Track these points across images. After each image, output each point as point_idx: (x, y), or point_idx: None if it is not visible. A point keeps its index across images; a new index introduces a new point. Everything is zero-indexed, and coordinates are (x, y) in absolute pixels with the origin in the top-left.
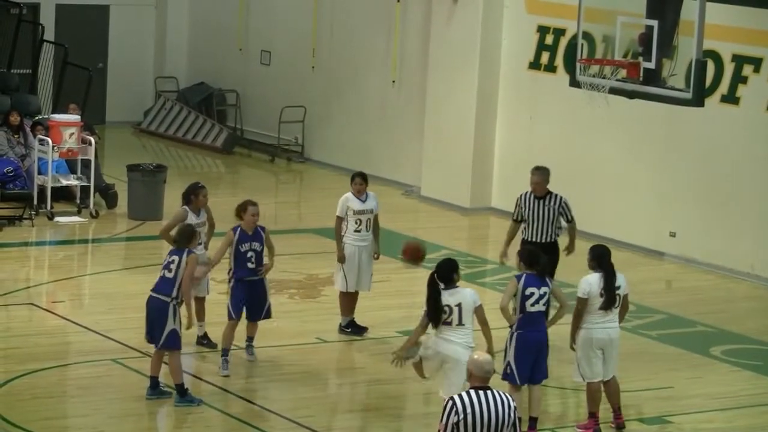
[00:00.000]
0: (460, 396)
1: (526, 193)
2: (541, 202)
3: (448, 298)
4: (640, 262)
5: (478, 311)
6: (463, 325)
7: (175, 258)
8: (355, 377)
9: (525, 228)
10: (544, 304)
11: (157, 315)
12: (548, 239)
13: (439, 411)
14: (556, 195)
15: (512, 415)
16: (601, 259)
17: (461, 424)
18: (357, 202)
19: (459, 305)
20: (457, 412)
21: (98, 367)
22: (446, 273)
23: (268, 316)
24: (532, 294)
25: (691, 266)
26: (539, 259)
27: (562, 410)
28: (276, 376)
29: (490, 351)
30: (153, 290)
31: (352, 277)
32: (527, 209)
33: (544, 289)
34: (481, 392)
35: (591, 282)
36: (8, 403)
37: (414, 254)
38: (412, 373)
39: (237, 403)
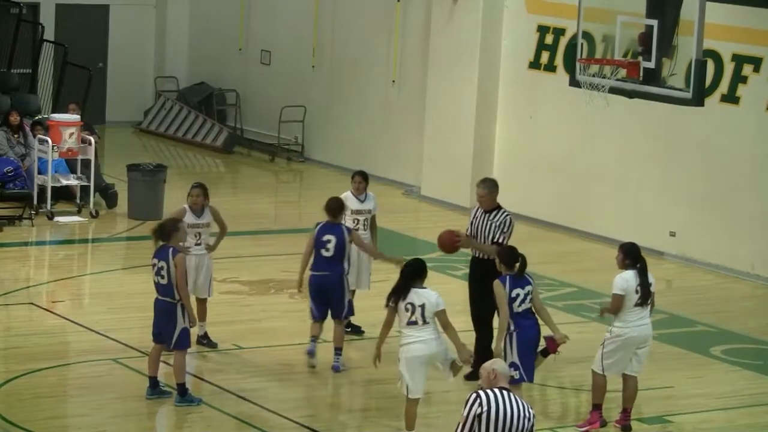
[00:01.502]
0: (485, 391)
1: (477, 208)
2: (488, 216)
3: (413, 296)
4: None
5: (441, 315)
6: (428, 323)
7: (163, 264)
8: (355, 377)
9: (474, 244)
10: (528, 302)
11: (165, 317)
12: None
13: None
14: (502, 212)
15: (532, 421)
16: (636, 256)
17: (484, 416)
18: (355, 202)
19: (422, 306)
20: (480, 404)
21: (98, 367)
22: (420, 271)
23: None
24: (518, 295)
25: (691, 266)
26: (517, 258)
27: (562, 410)
28: (276, 376)
29: (461, 350)
30: (158, 293)
31: (351, 276)
32: (475, 224)
33: (528, 288)
34: (505, 392)
35: (627, 278)
36: (9, 403)
37: (448, 245)
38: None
39: (237, 402)
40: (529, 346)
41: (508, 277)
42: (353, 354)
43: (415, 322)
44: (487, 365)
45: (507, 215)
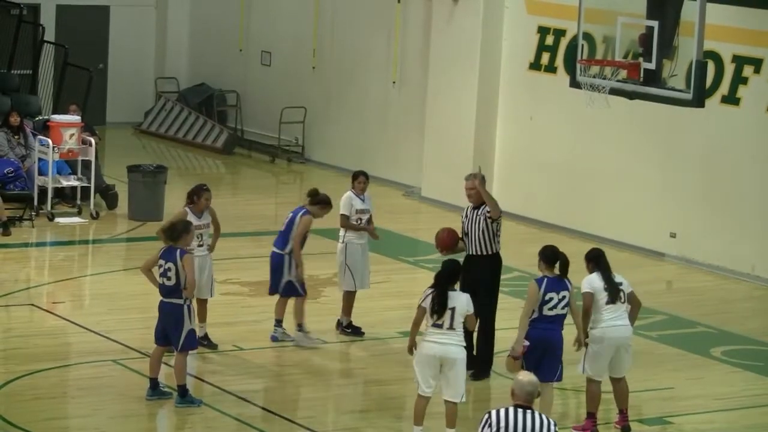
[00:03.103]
0: (497, 410)
1: (467, 207)
2: (476, 211)
3: (444, 299)
4: (641, 263)
5: (469, 318)
6: (454, 329)
7: (171, 265)
8: (355, 378)
9: (465, 241)
10: (563, 307)
11: (172, 319)
12: (487, 251)
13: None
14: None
15: None
16: (597, 259)
17: None
18: (359, 201)
19: (453, 309)
20: (490, 425)
21: (99, 368)
22: (455, 275)
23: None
24: (551, 299)
25: (692, 267)
26: (557, 257)
27: (563, 410)
28: (276, 377)
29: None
30: (163, 296)
31: (358, 276)
32: (467, 221)
33: (563, 293)
34: (520, 410)
35: (592, 279)
36: (9, 404)
37: (448, 244)
38: (412, 374)
39: (237, 404)
40: (534, 345)
41: (545, 278)
42: (354, 355)
43: (440, 325)
44: (514, 381)
45: None
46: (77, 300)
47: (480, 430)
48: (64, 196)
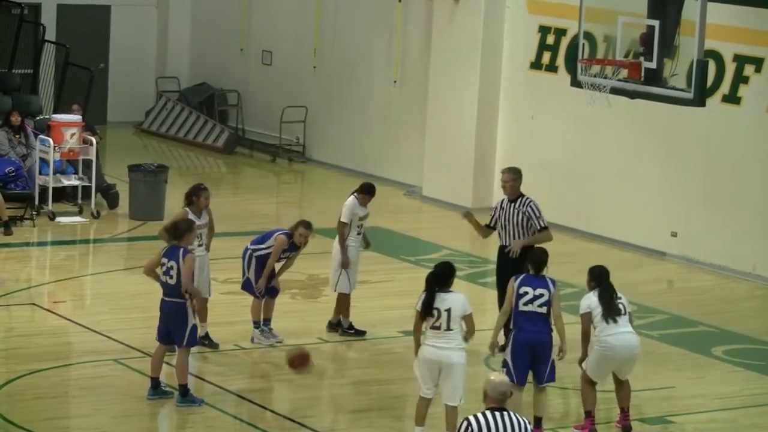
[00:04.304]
0: (476, 416)
1: (503, 199)
2: (512, 205)
3: (438, 301)
4: (642, 262)
5: (467, 319)
6: (452, 330)
7: (173, 264)
8: (356, 377)
9: (501, 234)
10: (540, 306)
11: (175, 317)
12: None
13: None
14: (527, 198)
15: None
16: (600, 277)
17: None
18: (362, 210)
19: (448, 311)
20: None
21: (100, 367)
22: (444, 277)
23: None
24: (526, 293)
25: (693, 266)
26: (539, 258)
27: (564, 410)
28: (277, 377)
29: None
30: (165, 295)
31: (352, 278)
32: (502, 215)
33: (540, 290)
34: (497, 413)
35: (590, 297)
36: (10, 404)
37: (301, 362)
38: (412, 374)
39: (238, 403)
40: (523, 350)
41: (523, 275)
42: (355, 355)
43: (438, 327)
44: (485, 383)
45: (531, 200)
46: (78, 299)
47: None
48: (68, 196)
